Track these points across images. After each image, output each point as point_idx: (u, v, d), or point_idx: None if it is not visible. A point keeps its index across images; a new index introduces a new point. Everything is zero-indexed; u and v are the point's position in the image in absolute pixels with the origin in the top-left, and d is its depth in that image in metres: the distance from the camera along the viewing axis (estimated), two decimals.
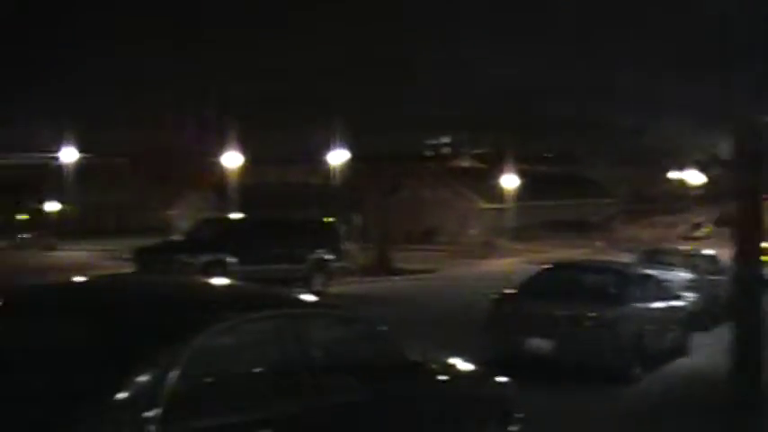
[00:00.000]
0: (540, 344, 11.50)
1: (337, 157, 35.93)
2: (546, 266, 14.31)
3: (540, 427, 7.21)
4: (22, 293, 5.48)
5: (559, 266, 14.72)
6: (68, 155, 40.07)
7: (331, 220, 25.18)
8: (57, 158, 40.89)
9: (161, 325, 4.54)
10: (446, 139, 49.41)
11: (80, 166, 40.82)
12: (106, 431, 3.86)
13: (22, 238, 41.06)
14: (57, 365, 4.26)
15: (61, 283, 6.00)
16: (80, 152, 39.84)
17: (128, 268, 21.64)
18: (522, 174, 45.74)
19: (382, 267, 29.50)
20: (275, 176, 44.57)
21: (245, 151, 34.62)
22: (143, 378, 4.08)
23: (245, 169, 35.44)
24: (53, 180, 43.14)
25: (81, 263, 29.51)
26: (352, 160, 35.65)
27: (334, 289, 21.83)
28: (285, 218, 25.44)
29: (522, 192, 45.86)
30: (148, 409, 3.98)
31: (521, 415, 6.66)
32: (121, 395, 3.98)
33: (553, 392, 9.90)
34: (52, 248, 38.01)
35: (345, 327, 5.64)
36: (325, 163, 36.72)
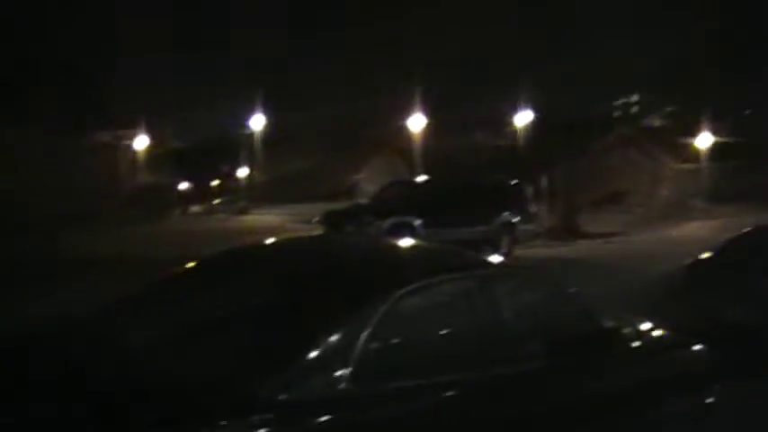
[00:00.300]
0: (736, 312, 10.95)
1: (524, 118, 35.49)
2: (745, 230, 13.53)
3: (735, 399, 6.86)
4: (218, 256, 5.68)
5: (760, 229, 13.88)
6: (258, 122, 41.40)
7: (517, 182, 24.86)
8: (247, 126, 42.27)
9: (352, 285, 4.59)
10: (635, 98, 47.68)
11: (270, 132, 42.04)
12: (298, 389, 3.94)
13: (216, 204, 42.76)
14: (251, 325, 4.39)
15: (255, 245, 6.18)
16: (266, 119, 41.06)
17: (317, 231, 22.16)
18: (718, 132, 43.59)
19: (570, 230, 28.97)
20: (461, 139, 44.40)
21: (431, 114, 34.72)
22: (334, 338, 4.15)
23: (431, 132, 35.55)
24: (245, 147, 44.65)
25: (272, 226, 30.41)
26: (539, 122, 35.12)
27: (521, 252, 21.60)
28: (471, 180, 25.33)
29: (718, 152, 43.68)
30: (339, 369, 4.05)
31: (717, 386, 6.35)
32: (313, 354, 4.06)
33: (751, 364, 9.38)
34: (244, 213, 39.39)
35: (534, 290, 5.51)
36: (512, 125, 36.33)
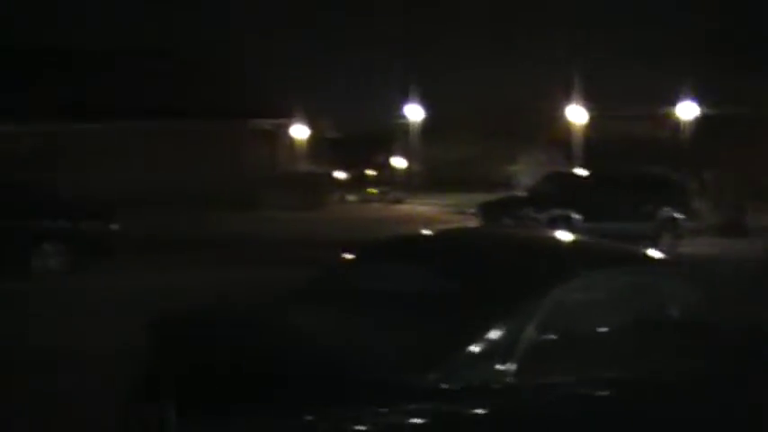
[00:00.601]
0: None
1: (686, 109, 34.40)
2: None
3: None
4: (376, 246, 5.69)
5: None
6: (413, 112, 41.63)
7: (680, 176, 24.06)
8: (403, 116, 42.59)
9: (515, 278, 4.51)
10: None
11: (425, 122, 42.22)
12: (459, 379, 3.90)
13: (370, 193, 43.31)
14: (414, 314, 4.37)
15: (418, 235, 6.17)
16: (422, 109, 41.24)
17: (472, 222, 22.05)
18: None
19: (737, 227, 27.84)
20: (621, 130, 43.46)
21: (589, 105, 34.11)
22: (497, 331, 4.08)
23: (589, 123, 34.92)
24: (400, 137, 45.01)
25: (427, 216, 30.48)
26: (704, 113, 33.98)
27: (685, 249, 20.86)
28: (632, 173, 24.62)
29: None
30: (504, 362, 3.98)
31: None
32: (476, 346, 4.01)
33: None
34: (398, 202, 39.68)
35: (700, 288, 5.23)
36: (676, 117, 35.29)
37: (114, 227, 14.62)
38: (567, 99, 34.44)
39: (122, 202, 16.10)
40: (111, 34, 31.46)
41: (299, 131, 39.95)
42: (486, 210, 21.92)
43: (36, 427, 6.27)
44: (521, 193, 25.49)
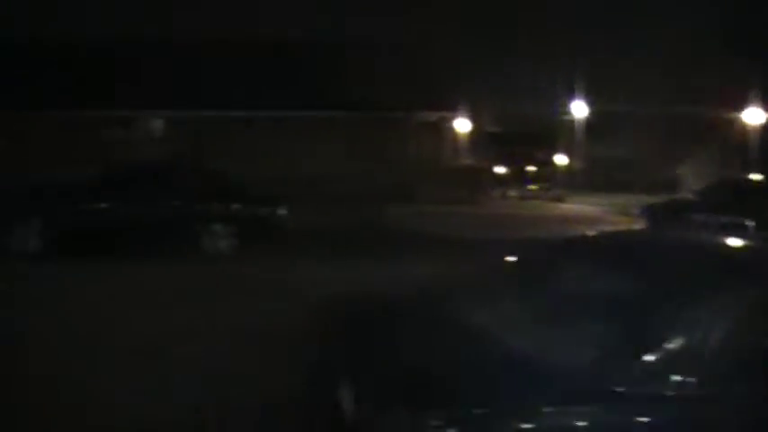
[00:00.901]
0: None
1: None
2: None
3: None
4: (551, 246, 5.63)
5: None
6: (579, 109, 41.03)
7: None
8: (568, 112, 42.08)
9: (700, 286, 4.38)
10: None
11: (589, 120, 41.55)
12: (639, 386, 3.83)
13: (530, 189, 42.96)
14: (590, 319, 4.30)
15: (591, 237, 6.07)
16: (587, 107, 40.63)
17: (638, 224, 21.51)
18: None
19: None
20: None
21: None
22: (680, 339, 3.99)
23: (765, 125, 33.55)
24: (563, 134, 44.47)
25: (588, 216, 29.96)
26: None
27: None
28: None
29: None
30: (683, 372, 3.88)
31: None
32: (658, 354, 3.93)
33: None
34: (558, 200, 39.16)
35: None
36: None
37: (282, 212, 15.08)
38: (742, 101, 33.12)
39: (286, 191, 16.52)
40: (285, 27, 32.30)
41: (462, 125, 40.03)
42: (653, 212, 21.35)
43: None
44: (689, 197, 24.66)
